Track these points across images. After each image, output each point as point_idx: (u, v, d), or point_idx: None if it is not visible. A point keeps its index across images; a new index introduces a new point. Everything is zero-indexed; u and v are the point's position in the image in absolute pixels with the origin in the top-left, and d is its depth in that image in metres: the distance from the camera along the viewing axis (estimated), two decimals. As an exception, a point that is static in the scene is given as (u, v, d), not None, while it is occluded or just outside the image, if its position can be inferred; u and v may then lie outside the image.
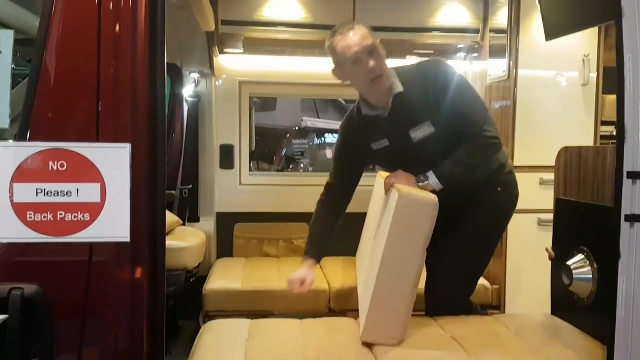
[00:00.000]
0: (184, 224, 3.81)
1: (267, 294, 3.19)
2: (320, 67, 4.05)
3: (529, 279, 3.40)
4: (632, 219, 1.80)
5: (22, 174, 1.38)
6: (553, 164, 2.56)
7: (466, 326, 2.32)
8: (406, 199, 2.08)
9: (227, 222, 4.06)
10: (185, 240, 3.27)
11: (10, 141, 1.46)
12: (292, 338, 2.22)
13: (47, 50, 1.46)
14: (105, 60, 1.46)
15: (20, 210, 1.38)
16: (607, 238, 1.85)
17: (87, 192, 1.40)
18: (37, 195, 1.39)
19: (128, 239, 1.41)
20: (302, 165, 7.60)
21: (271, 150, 7.71)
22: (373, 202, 3.07)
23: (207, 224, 3.95)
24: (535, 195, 3.38)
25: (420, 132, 2.34)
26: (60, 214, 1.40)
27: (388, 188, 2.32)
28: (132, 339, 1.49)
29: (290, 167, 7.47)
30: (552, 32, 2.50)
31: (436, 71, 2.32)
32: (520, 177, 3.38)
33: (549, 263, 2.49)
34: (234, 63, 4.00)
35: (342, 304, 3.24)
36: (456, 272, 2.49)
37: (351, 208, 3.86)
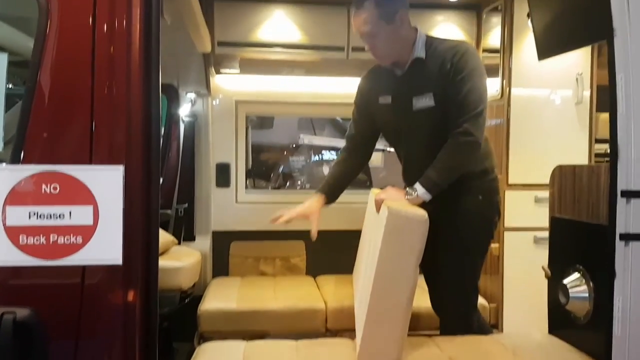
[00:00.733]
0: (179, 243, 3.78)
1: (262, 314, 3.17)
2: (317, 87, 4.11)
3: (526, 297, 3.38)
4: (627, 237, 1.80)
5: (14, 197, 1.38)
6: (548, 181, 2.57)
7: (463, 345, 2.30)
8: (396, 215, 2.08)
9: (223, 241, 4.04)
10: (180, 260, 3.25)
11: (4, 164, 1.46)
12: None
13: (41, 72, 1.47)
14: (99, 82, 1.46)
15: (13, 233, 1.38)
16: (603, 256, 1.84)
17: (80, 215, 1.39)
18: (29, 218, 1.38)
19: (120, 262, 1.40)
20: (299, 182, 7.61)
21: (268, 167, 7.72)
22: (367, 219, 3.08)
23: (203, 243, 3.93)
24: (531, 213, 3.38)
25: (421, 102, 2.37)
26: (53, 237, 1.39)
27: (379, 205, 2.33)
28: (124, 362, 1.48)
29: (288, 184, 7.47)
30: (545, 51, 2.52)
31: (460, 51, 2.33)
32: (515, 195, 3.43)
33: (546, 281, 2.49)
34: (231, 83, 4.02)
35: (339, 323, 3.21)
36: (452, 283, 2.50)
37: (347, 225, 3.89)
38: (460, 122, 2.27)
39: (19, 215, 1.38)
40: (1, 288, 1.44)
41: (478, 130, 2.28)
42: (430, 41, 2.42)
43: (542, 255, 2.59)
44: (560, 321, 2.36)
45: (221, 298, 3.36)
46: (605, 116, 2.25)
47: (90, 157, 1.44)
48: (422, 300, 2.69)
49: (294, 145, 8.16)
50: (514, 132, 3.44)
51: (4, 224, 1.37)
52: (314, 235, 2.54)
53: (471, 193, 2.48)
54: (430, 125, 2.39)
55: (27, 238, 1.38)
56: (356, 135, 2.70)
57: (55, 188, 1.39)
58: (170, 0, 2.55)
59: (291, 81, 4.11)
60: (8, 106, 2.19)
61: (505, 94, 3.47)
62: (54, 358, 1.44)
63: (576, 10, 2.28)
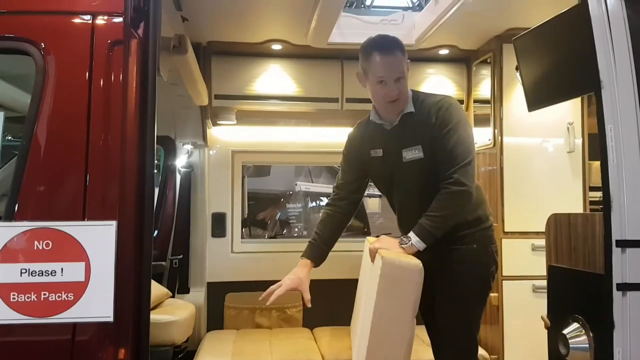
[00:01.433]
0: (173, 296, 3.73)
1: (258, 369, 3.10)
2: (312, 136, 4.16)
3: (527, 347, 3.32)
4: (624, 287, 1.79)
5: (6, 254, 1.37)
6: (543, 229, 2.57)
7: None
8: (390, 265, 2.07)
9: (218, 292, 3.98)
10: (174, 314, 3.20)
11: (-4, 221, 1.46)
12: None
13: (37, 128, 1.49)
14: (94, 138, 1.48)
15: (4, 291, 1.36)
16: (601, 306, 1.83)
17: (72, 271, 1.38)
18: (21, 275, 1.37)
19: (111, 319, 1.38)
20: (296, 229, 7.58)
21: (265, 214, 7.70)
22: (362, 269, 3.05)
23: (197, 295, 3.88)
24: (528, 261, 3.36)
25: (411, 154, 2.43)
26: (44, 294, 1.38)
27: (373, 255, 2.34)
28: (114, 423, 1.43)
29: (285, 231, 7.44)
30: (534, 103, 2.56)
31: (444, 105, 2.41)
32: (511, 243, 3.42)
33: (546, 331, 2.45)
34: (227, 134, 4.07)
35: (336, 378, 3.14)
36: (450, 334, 2.47)
37: (344, 274, 3.86)
38: (451, 173, 2.31)
39: (10, 273, 1.37)
40: (-10, 346, 1.41)
41: (469, 179, 2.32)
42: (416, 95, 2.53)
43: (541, 305, 2.56)
44: (562, 373, 2.31)
45: (216, 353, 3.29)
46: (597, 164, 2.28)
47: (83, 213, 1.44)
48: (424, 353, 2.64)
49: (291, 193, 8.18)
50: (507, 180, 3.46)
51: (-5, 282, 1.36)
52: (307, 303, 2.52)
53: (465, 242, 2.49)
54: (421, 176, 2.44)
55: (18, 296, 1.37)
56: (345, 184, 2.73)
57: (47, 244, 1.38)
58: (168, 58, 2.61)
59: (287, 131, 4.16)
60: (5, 160, 2.21)
61: (497, 143, 3.52)
62: (43, 419, 1.40)
63: (563, 63, 2.33)
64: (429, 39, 3.46)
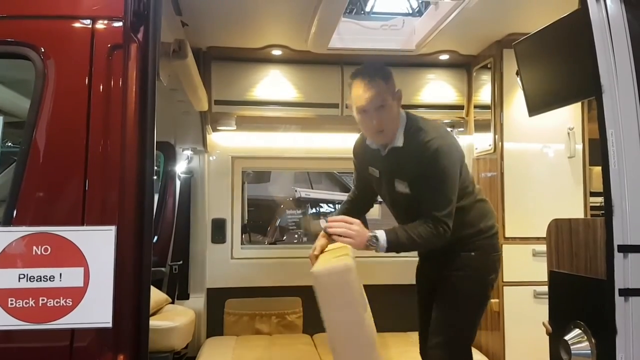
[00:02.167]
0: (172, 302, 3.72)
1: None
2: (312, 142, 4.15)
3: (528, 353, 3.31)
4: (626, 293, 1.78)
5: (5, 259, 1.36)
6: (544, 235, 2.56)
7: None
8: (319, 277, 2.16)
9: (217, 298, 3.97)
10: (173, 320, 3.19)
11: (-5, 226, 1.45)
12: None
13: (36, 133, 1.49)
14: (93, 143, 1.47)
15: (2, 296, 1.35)
16: (603, 312, 1.81)
17: (70, 277, 1.37)
18: (19, 280, 1.36)
19: (110, 324, 1.37)
20: (296, 235, 7.56)
21: (265, 221, 7.69)
22: None
23: (197, 301, 3.86)
24: (529, 267, 3.35)
25: (400, 187, 2.46)
26: (42, 300, 1.36)
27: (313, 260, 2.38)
28: None
29: (285, 237, 7.42)
30: (535, 108, 2.56)
31: (431, 149, 2.34)
32: (512, 249, 3.41)
33: (547, 337, 2.44)
34: (227, 139, 4.06)
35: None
36: (441, 334, 2.49)
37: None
38: (430, 215, 2.33)
39: (8, 278, 1.36)
40: (-13, 352, 1.40)
41: (445, 225, 2.34)
42: (410, 125, 2.43)
43: (542, 310, 2.54)
44: (564, 379, 2.29)
45: (215, 359, 3.27)
46: (598, 169, 2.27)
47: (82, 218, 1.43)
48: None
49: (291, 199, 8.17)
50: (508, 185, 3.46)
51: (-7, 287, 1.35)
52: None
53: (466, 249, 2.51)
54: (411, 208, 2.45)
55: (16, 301, 1.36)
56: (356, 191, 2.83)
57: (46, 250, 1.37)
58: (168, 63, 2.61)
59: (287, 137, 4.16)
60: (4, 165, 2.21)
61: (498, 148, 3.51)
62: None
63: (564, 68, 2.33)
64: (429, 44, 3.46)
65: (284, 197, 8.30)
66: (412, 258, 4.13)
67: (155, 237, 3.87)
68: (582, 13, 1.90)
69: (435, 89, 3.99)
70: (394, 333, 3.72)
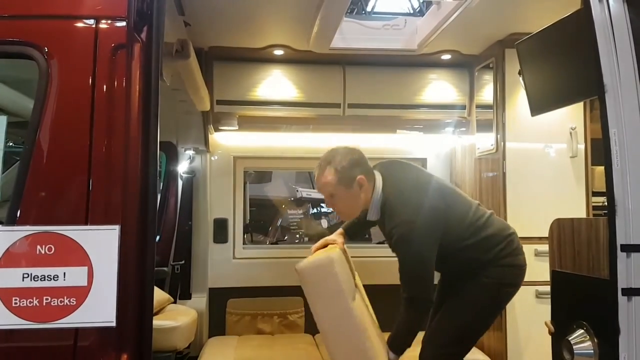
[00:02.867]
0: (175, 302, 3.72)
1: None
2: (314, 142, 4.15)
3: (531, 353, 3.31)
4: (629, 292, 1.78)
5: (9, 259, 1.36)
6: (546, 234, 2.55)
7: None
8: (303, 271, 2.24)
9: (219, 298, 3.98)
10: (176, 319, 3.19)
11: (-1, 225, 1.45)
12: None
13: (39, 132, 1.48)
14: (97, 143, 1.47)
15: (6, 296, 1.35)
16: (606, 312, 1.81)
17: (74, 276, 1.37)
18: (23, 280, 1.36)
19: (113, 323, 1.37)
20: (297, 235, 7.56)
21: (266, 221, 7.69)
22: None
23: (199, 301, 3.87)
24: (531, 266, 3.33)
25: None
26: (46, 299, 1.36)
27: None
28: None
29: (286, 237, 7.43)
30: (537, 107, 2.56)
31: (395, 237, 2.44)
32: (515, 249, 3.40)
33: (550, 337, 2.43)
34: (229, 139, 4.07)
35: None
36: (440, 330, 2.58)
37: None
38: (403, 297, 2.45)
39: (12, 277, 1.35)
40: (-8, 352, 1.40)
41: (419, 301, 2.45)
42: (386, 196, 2.51)
43: (544, 310, 2.54)
44: (566, 379, 2.29)
45: (217, 359, 3.27)
46: (600, 169, 2.27)
47: (86, 218, 1.43)
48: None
49: (292, 199, 8.17)
50: (510, 185, 3.46)
51: (-3, 287, 1.35)
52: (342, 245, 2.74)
53: (482, 275, 2.58)
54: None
55: (20, 300, 1.35)
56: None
57: (50, 249, 1.37)
58: (171, 63, 2.61)
59: (288, 137, 4.16)
60: (7, 165, 2.21)
61: (500, 148, 3.51)
62: None
63: (567, 68, 2.33)
64: (431, 44, 3.46)
65: (285, 197, 8.30)
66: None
67: (158, 237, 3.88)
68: (584, 13, 1.90)
69: (437, 89, 3.99)
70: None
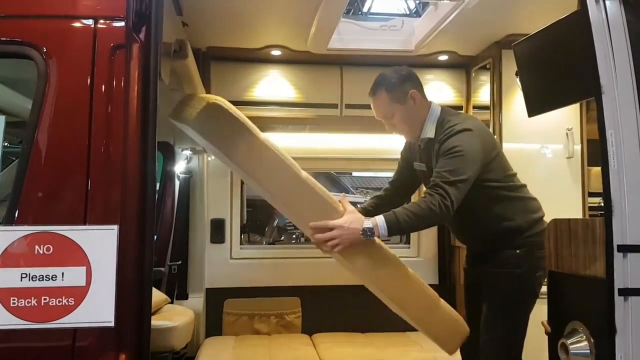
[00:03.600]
0: (172, 302, 3.72)
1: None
2: (312, 142, 4.16)
3: (528, 353, 3.31)
4: (626, 292, 1.79)
5: (7, 259, 1.36)
6: (543, 235, 2.56)
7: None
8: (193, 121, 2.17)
9: (216, 298, 3.97)
10: (173, 320, 3.19)
11: (-3, 225, 1.45)
12: None
13: (38, 132, 1.49)
14: (96, 143, 1.48)
15: (4, 296, 1.35)
16: (602, 311, 1.82)
17: (72, 276, 1.37)
18: (21, 280, 1.36)
19: (112, 323, 1.37)
20: (294, 236, 7.56)
21: (263, 221, 7.69)
22: None
23: (196, 301, 3.87)
24: (528, 266, 3.35)
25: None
26: (45, 299, 1.36)
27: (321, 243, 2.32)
28: None
29: (282, 237, 7.43)
30: (534, 108, 2.56)
31: (455, 129, 2.41)
32: (511, 249, 3.41)
33: (547, 337, 2.44)
34: (226, 139, 4.06)
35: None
36: (487, 333, 2.52)
37: (342, 280, 3.84)
38: (436, 184, 2.31)
39: (10, 277, 1.35)
40: (-11, 352, 1.40)
41: (447, 199, 2.29)
42: (442, 117, 2.52)
43: (541, 310, 2.55)
44: (563, 379, 2.30)
45: (215, 359, 3.26)
46: (597, 170, 2.29)
47: (85, 218, 1.44)
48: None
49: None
50: (507, 186, 3.46)
51: (-5, 287, 1.35)
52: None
53: (509, 247, 2.51)
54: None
55: (18, 300, 1.35)
56: (396, 182, 2.81)
57: (48, 249, 1.37)
58: (169, 63, 2.61)
59: (286, 137, 4.16)
60: (5, 165, 2.21)
61: (497, 149, 3.52)
62: None
63: (564, 69, 2.34)
64: (428, 45, 3.47)
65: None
66: (414, 259, 4.16)
67: (155, 237, 3.88)
68: (581, 14, 1.91)
69: (434, 90, 3.99)
70: (394, 333, 3.73)
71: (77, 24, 1.56)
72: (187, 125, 2.17)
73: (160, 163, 4.02)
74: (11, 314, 1.35)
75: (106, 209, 1.46)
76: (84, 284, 1.38)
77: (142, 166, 1.46)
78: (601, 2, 1.87)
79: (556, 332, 2.30)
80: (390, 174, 2.84)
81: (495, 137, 2.77)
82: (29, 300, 1.36)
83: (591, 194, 3.54)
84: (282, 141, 4.14)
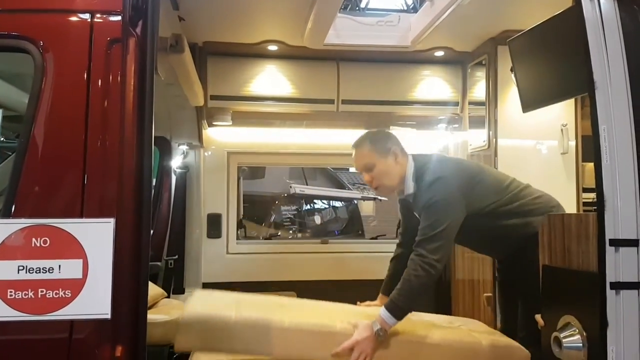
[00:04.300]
0: (168, 296, 3.73)
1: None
2: (308, 138, 4.17)
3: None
4: (618, 286, 1.81)
5: (4, 251, 1.37)
6: (537, 230, 2.58)
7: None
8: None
9: None
10: (169, 313, 3.19)
11: (-6, 218, 1.46)
12: None
13: (35, 126, 1.49)
14: (92, 137, 1.48)
15: (1, 288, 1.36)
16: (595, 305, 1.84)
17: (69, 268, 1.38)
18: (18, 272, 1.37)
19: (108, 315, 1.38)
20: (290, 232, 7.58)
21: (260, 217, 7.71)
22: None
23: None
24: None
25: None
26: (41, 291, 1.37)
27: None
28: (111, 421, 1.43)
29: (279, 233, 7.46)
30: (529, 104, 2.59)
31: (424, 188, 2.50)
32: (506, 244, 3.43)
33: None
34: (223, 135, 4.07)
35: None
36: (528, 334, 2.56)
37: (338, 275, 3.88)
38: (420, 244, 2.39)
39: (7, 270, 1.36)
40: (-14, 344, 1.41)
41: (431, 260, 2.36)
42: (417, 170, 2.58)
43: (535, 305, 2.57)
44: (555, 372, 2.33)
45: (211, 353, 3.27)
46: (591, 166, 2.30)
47: (81, 211, 1.44)
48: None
49: (285, 195, 8.19)
50: (502, 181, 3.47)
51: (-7, 279, 1.36)
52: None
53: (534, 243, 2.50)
54: (470, 233, 2.57)
55: (15, 293, 1.36)
56: (404, 232, 2.86)
57: (45, 242, 1.38)
58: (165, 58, 2.61)
59: (282, 133, 4.17)
60: (2, 159, 2.21)
61: (492, 145, 3.53)
62: (38, 417, 1.40)
63: (558, 65, 2.36)
64: (424, 41, 3.48)
65: (278, 193, 8.32)
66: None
67: (151, 232, 3.88)
68: (575, 10, 1.92)
69: (431, 86, 4.01)
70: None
71: (73, 18, 1.57)
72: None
73: (157, 158, 4.03)
74: (8, 306, 1.36)
75: (102, 203, 1.47)
76: (80, 276, 1.39)
77: (139, 160, 1.47)
78: (595, -1, 1.88)
79: (549, 326, 2.33)
80: None
81: (477, 163, 2.87)
82: (26, 292, 1.37)
83: (585, 190, 3.56)
84: (278, 137, 4.18)
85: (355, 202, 7.55)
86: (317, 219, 8.01)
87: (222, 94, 3.82)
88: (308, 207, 8.38)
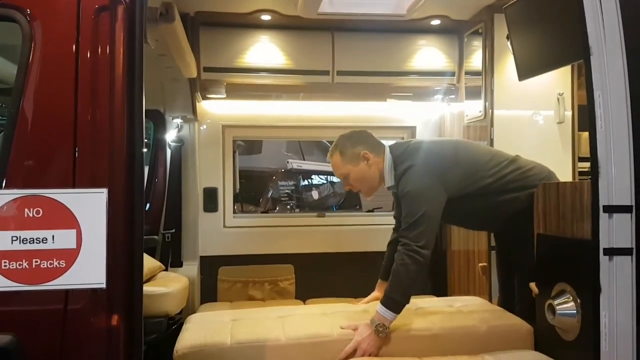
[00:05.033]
0: (166, 269, 3.75)
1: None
2: (303, 110, 4.14)
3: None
4: (611, 252, 1.82)
5: (-3, 222, 1.37)
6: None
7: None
8: None
9: (211, 266, 4.01)
10: (167, 286, 3.22)
11: (-14, 189, 1.45)
12: None
13: (24, 98, 1.48)
14: (82, 107, 1.47)
15: (-5, 258, 1.37)
16: (588, 272, 1.86)
17: (63, 238, 1.38)
18: (12, 242, 1.37)
19: (104, 285, 1.39)
20: (288, 207, 7.59)
21: (257, 192, 7.71)
22: None
23: (191, 269, 3.90)
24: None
25: None
26: (36, 261, 1.38)
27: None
28: (108, 389, 1.45)
29: (277, 208, 7.47)
30: (525, 72, 2.57)
31: (398, 180, 2.57)
32: (501, 214, 3.44)
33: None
34: (217, 108, 4.04)
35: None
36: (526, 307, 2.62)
37: (335, 247, 3.90)
38: (412, 241, 2.41)
39: (1, 240, 1.37)
40: (-18, 314, 1.42)
41: (427, 239, 2.42)
42: (393, 163, 2.63)
43: (529, 274, 2.59)
44: (549, 338, 2.36)
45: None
46: (587, 135, 2.30)
47: (73, 182, 1.44)
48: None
49: (283, 170, 8.18)
50: (498, 152, 3.46)
51: (-14, 250, 1.36)
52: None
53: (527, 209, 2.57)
54: (456, 212, 2.65)
55: (9, 263, 1.37)
56: (399, 217, 2.83)
57: (38, 212, 1.38)
58: (155, 28, 2.57)
59: (277, 105, 4.14)
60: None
61: (488, 115, 3.51)
62: (36, 385, 1.42)
63: (554, 31, 2.34)
64: (420, 9, 3.42)
65: (275, 169, 8.31)
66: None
67: (148, 205, 3.88)
68: (572, -25, 1.90)
69: (427, 56, 3.96)
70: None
71: (60, -15, 1.54)
72: None
73: (151, 131, 4.00)
74: (3, 276, 1.37)
75: (94, 173, 1.46)
76: (74, 246, 1.39)
77: (129, 129, 1.46)
78: (592, -37, 1.85)
79: (544, 294, 2.35)
80: (385, 141, 2.84)
81: (454, 142, 2.93)
82: (20, 262, 1.38)
83: (581, 159, 3.55)
84: (274, 109, 4.15)
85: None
86: (315, 195, 8.00)
87: (216, 65, 3.77)
88: (306, 182, 8.37)
